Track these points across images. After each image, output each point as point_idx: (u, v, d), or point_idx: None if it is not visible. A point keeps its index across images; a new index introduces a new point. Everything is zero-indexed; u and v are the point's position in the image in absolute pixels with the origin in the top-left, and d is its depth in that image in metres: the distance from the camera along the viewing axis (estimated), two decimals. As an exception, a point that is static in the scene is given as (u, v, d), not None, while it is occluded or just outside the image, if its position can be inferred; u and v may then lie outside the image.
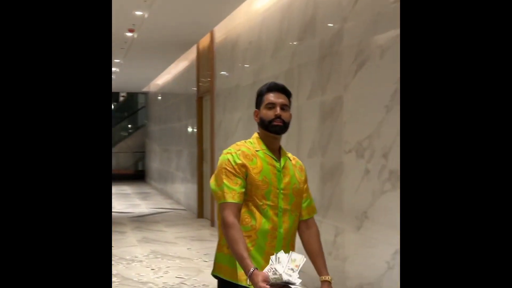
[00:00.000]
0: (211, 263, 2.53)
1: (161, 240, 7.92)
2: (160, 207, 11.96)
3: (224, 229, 2.34)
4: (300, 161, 2.68)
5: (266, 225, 2.41)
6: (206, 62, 9.46)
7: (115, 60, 11.74)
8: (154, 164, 17.15)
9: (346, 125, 4.53)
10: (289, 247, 2.46)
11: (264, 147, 2.51)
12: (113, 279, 5.68)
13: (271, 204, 2.43)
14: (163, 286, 5.43)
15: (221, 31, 8.49)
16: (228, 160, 2.43)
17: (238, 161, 2.42)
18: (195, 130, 10.42)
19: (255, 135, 2.57)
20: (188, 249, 7.27)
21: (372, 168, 4.13)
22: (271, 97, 2.49)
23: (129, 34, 8.55)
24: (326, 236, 4.89)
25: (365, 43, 4.23)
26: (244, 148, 2.48)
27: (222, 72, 8.47)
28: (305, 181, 2.63)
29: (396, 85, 3.80)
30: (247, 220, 2.41)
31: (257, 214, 2.42)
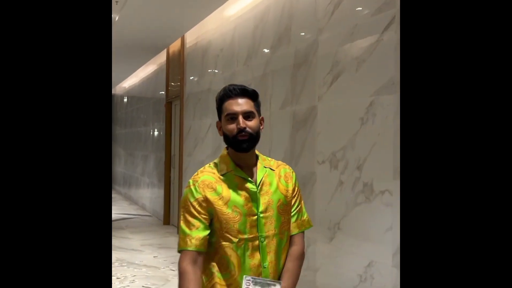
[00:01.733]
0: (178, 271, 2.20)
1: (127, 247, 7.79)
2: (125, 212, 11.79)
3: (178, 279, 2.05)
4: (287, 168, 2.27)
5: (247, 265, 2.08)
6: (176, 66, 9.39)
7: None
8: (119, 168, 16.91)
9: (320, 136, 4.53)
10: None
11: (232, 167, 2.13)
12: None
13: (249, 237, 2.07)
14: (129, 296, 5.34)
15: (192, 37, 8.43)
16: (187, 196, 2.10)
17: (198, 196, 2.07)
18: (163, 135, 10.32)
19: (223, 152, 2.20)
20: (154, 257, 7.17)
21: (345, 179, 4.12)
22: (231, 104, 2.09)
23: (98, 36, 8.42)
24: (297, 246, 4.86)
25: (341, 54, 4.23)
26: (205, 177, 2.11)
27: (192, 77, 8.41)
28: (294, 190, 2.23)
29: (372, 98, 3.81)
30: (223, 268, 2.10)
31: (233, 256, 2.08)
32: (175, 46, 9.41)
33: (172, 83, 9.71)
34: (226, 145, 2.19)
